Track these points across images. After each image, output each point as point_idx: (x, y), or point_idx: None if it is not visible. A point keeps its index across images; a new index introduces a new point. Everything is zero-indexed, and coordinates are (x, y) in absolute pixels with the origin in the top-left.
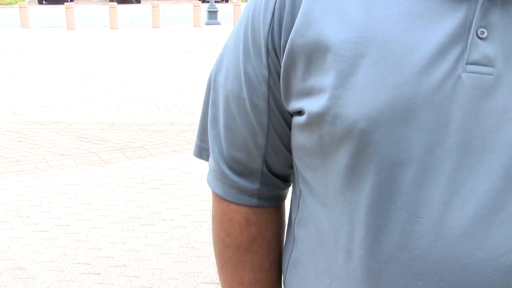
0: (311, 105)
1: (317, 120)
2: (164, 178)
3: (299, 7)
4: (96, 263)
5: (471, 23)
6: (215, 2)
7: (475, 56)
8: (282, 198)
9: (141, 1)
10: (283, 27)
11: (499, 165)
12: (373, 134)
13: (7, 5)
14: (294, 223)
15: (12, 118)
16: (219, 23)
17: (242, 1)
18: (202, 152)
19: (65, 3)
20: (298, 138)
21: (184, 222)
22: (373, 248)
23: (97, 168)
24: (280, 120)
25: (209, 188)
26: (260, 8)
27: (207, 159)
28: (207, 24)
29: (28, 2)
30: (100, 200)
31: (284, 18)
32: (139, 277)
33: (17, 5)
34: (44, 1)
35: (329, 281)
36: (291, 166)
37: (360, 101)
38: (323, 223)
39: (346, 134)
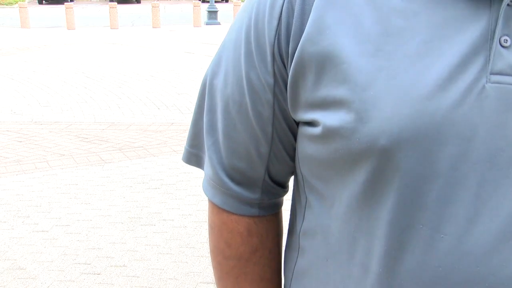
0: (326, 117)
1: (333, 133)
2: (164, 178)
3: (309, 14)
4: (96, 263)
5: (494, 32)
6: (215, 2)
7: (499, 65)
8: (280, 205)
9: (141, 1)
10: (291, 34)
11: None
12: (396, 151)
13: (7, 5)
14: (300, 233)
15: (12, 118)
16: (219, 23)
17: (242, 1)
18: (191, 158)
19: (65, 3)
20: (308, 149)
21: (184, 222)
22: (394, 266)
23: (97, 168)
24: (284, 128)
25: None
26: (265, 12)
27: (196, 165)
28: (207, 24)
29: (28, 2)
30: (100, 200)
31: (293, 24)
32: (139, 277)
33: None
34: (44, 1)
35: None
36: (291, 173)
37: (381, 116)
38: (334, 236)
39: (365, 150)
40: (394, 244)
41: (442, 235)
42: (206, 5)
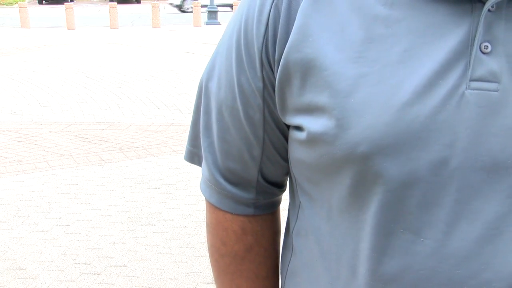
0: (310, 123)
1: (316, 139)
2: (164, 178)
3: (294, 20)
4: (96, 263)
5: (474, 38)
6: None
7: (479, 72)
8: (277, 204)
9: (141, 1)
10: (277, 41)
11: (506, 184)
12: (376, 157)
13: (7, 5)
14: (293, 232)
15: (12, 118)
16: (219, 23)
17: None
18: (193, 157)
19: (65, 3)
20: (297, 152)
21: (184, 222)
22: (376, 269)
23: (97, 168)
24: (276, 132)
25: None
26: (254, 18)
27: (199, 164)
28: (207, 24)
29: (28, 2)
30: (100, 200)
31: (279, 30)
32: (139, 277)
33: (17, 5)
34: (44, 1)
35: None
36: (286, 174)
37: (361, 122)
38: (324, 237)
39: (346, 156)
40: (377, 247)
41: (422, 239)
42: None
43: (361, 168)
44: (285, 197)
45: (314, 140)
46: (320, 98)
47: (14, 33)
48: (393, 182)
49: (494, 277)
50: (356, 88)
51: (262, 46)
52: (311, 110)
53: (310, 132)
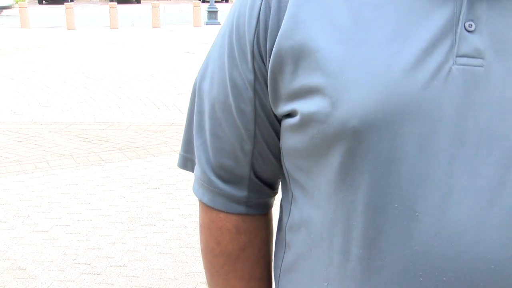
0: (303, 105)
1: (309, 119)
2: (164, 178)
3: (285, 11)
4: (96, 263)
5: (459, 17)
6: (215, 2)
7: (464, 49)
8: (269, 206)
9: (141, 1)
10: (268, 31)
11: (495, 157)
12: (366, 132)
13: None
14: (286, 228)
15: (12, 118)
16: (219, 23)
17: None
18: (187, 163)
19: (65, 3)
20: (289, 141)
21: (184, 222)
22: (372, 247)
23: (97, 168)
24: (266, 125)
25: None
26: (245, 14)
27: (191, 170)
28: (207, 24)
29: (28, 2)
30: (100, 200)
31: (270, 22)
32: (139, 277)
33: (17, 5)
34: (44, 1)
35: (326, 284)
36: (278, 174)
37: (352, 99)
38: (316, 226)
39: (338, 132)
40: (371, 225)
41: (417, 214)
42: (206, 5)
43: (351, 144)
44: (278, 198)
45: (306, 121)
46: (312, 79)
47: (14, 33)
48: (382, 157)
49: (488, 250)
50: (346, 67)
51: (254, 38)
52: (303, 93)
53: (303, 113)
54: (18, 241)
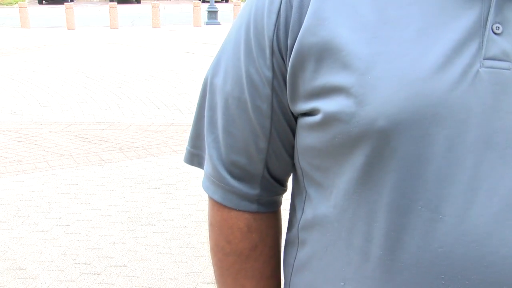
0: (326, 104)
1: (332, 119)
2: (164, 178)
3: (307, 6)
4: (96, 263)
5: (486, 19)
6: (215, 2)
7: (492, 51)
8: (279, 204)
9: (141, 1)
10: (290, 27)
11: None
12: (394, 132)
13: (7, 5)
14: (299, 226)
15: (12, 118)
16: (219, 23)
17: (242, 1)
18: (193, 158)
19: (65, 3)
20: (307, 139)
21: (184, 222)
22: (394, 248)
23: (97, 168)
24: (282, 123)
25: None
26: (263, 9)
27: (198, 166)
28: (207, 24)
29: (28, 2)
30: (100, 200)
31: (292, 18)
32: (139, 277)
33: (17, 5)
34: (44, 1)
35: (342, 283)
36: (289, 171)
37: (379, 98)
38: (332, 225)
39: (364, 132)
40: (394, 226)
41: (441, 216)
42: (206, 5)
43: (377, 144)
44: (286, 198)
45: (329, 121)
46: (337, 78)
47: (14, 33)
48: (409, 158)
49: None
50: (372, 65)
51: (273, 34)
52: (326, 91)
53: (325, 112)
54: (18, 241)
